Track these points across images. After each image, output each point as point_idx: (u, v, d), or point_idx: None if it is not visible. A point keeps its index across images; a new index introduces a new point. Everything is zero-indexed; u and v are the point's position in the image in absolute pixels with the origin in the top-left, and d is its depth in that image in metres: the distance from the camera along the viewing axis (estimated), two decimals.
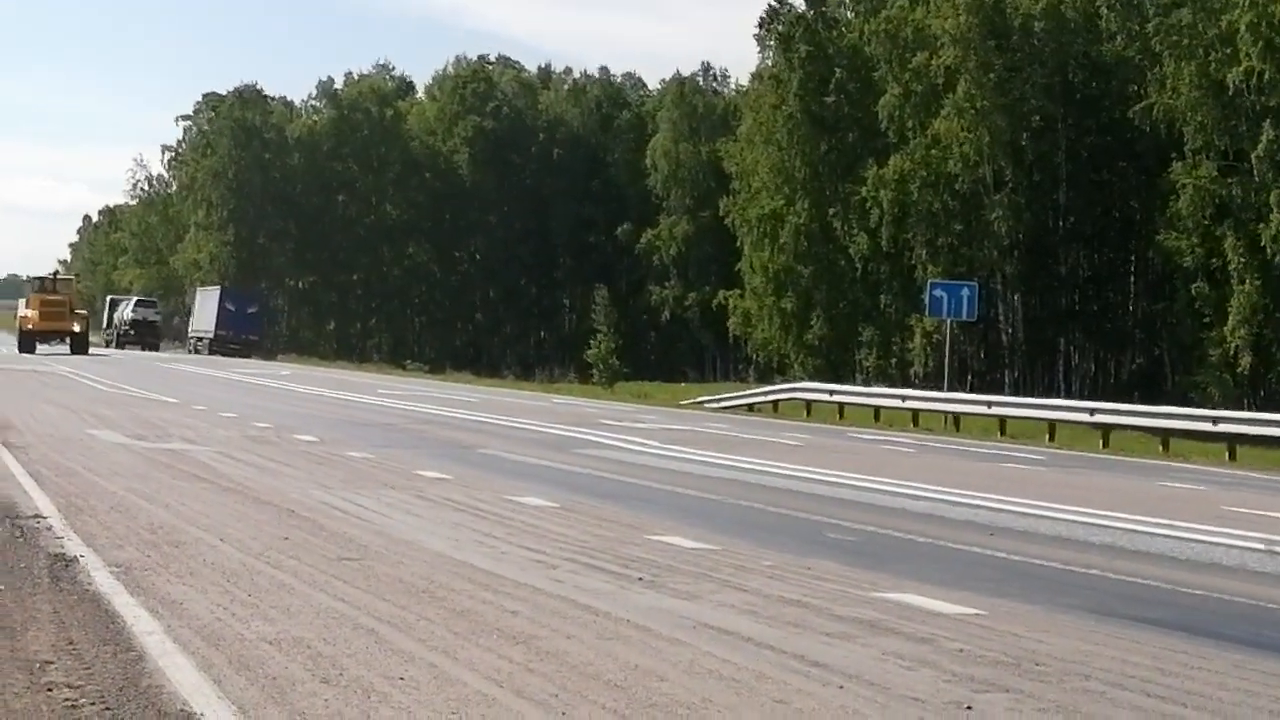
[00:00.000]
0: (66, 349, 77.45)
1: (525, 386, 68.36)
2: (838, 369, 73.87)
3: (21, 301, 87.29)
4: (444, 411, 36.09)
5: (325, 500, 15.70)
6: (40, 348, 78.67)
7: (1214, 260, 68.43)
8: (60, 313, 78.96)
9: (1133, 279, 76.79)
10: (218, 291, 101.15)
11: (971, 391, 53.72)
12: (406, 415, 34.17)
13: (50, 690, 7.32)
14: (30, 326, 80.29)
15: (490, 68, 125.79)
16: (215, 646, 8.36)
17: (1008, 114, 73.76)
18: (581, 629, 9.17)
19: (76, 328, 78.94)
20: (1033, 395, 49.33)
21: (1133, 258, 76.25)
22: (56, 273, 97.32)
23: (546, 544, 12.90)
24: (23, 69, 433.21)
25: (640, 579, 11.17)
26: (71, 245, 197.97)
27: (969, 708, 7.53)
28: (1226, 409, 44.30)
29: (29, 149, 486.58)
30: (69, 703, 7.10)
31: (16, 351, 78.42)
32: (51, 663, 7.86)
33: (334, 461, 20.67)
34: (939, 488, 19.56)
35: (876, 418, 42.14)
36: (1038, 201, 75.77)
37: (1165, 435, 35.38)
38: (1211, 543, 14.84)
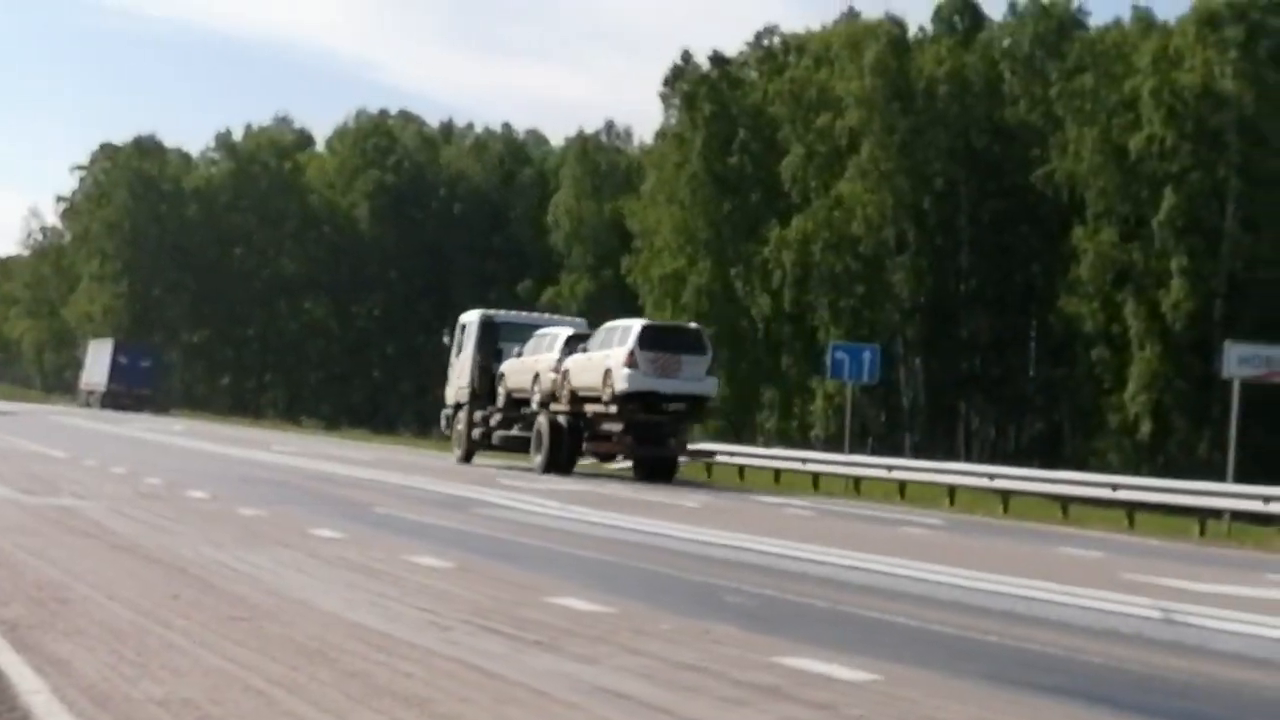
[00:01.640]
0: None
1: (422, 444, 68.05)
2: (739, 430, 74.08)
3: None
4: (339, 469, 35.94)
5: (216, 558, 15.58)
6: None
7: (1114, 326, 69.22)
8: None
9: (1033, 344, 77.48)
10: (110, 344, 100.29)
11: (872, 455, 53.92)
12: (301, 472, 34.01)
13: None
14: None
15: (391, 122, 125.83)
16: (102, 707, 8.27)
17: (911, 176, 74.50)
18: (477, 692, 9.13)
19: None
20: (933, 459, 49.61)
21: (1034, 322, 76.98)
22: None
23: (441, 605, 12.85)
24: None
25: (537, 642, 11.14)
26: None
27: None
28: (1125, 475, 44.62)
29: None
30: None
31: None
32: None
33: (226, 519, 20.51)
34: (839, 551, 19.62)
35: (777, 480, 42.27)
36: (940, 265, 76.49)
37: (1064, 501, 35.69)
38: (1109, 610, 14.94)
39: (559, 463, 38.55)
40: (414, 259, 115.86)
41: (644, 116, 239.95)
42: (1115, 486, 35.85)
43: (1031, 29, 76.15)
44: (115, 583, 13.42)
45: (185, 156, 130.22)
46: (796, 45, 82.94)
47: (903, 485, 39.37)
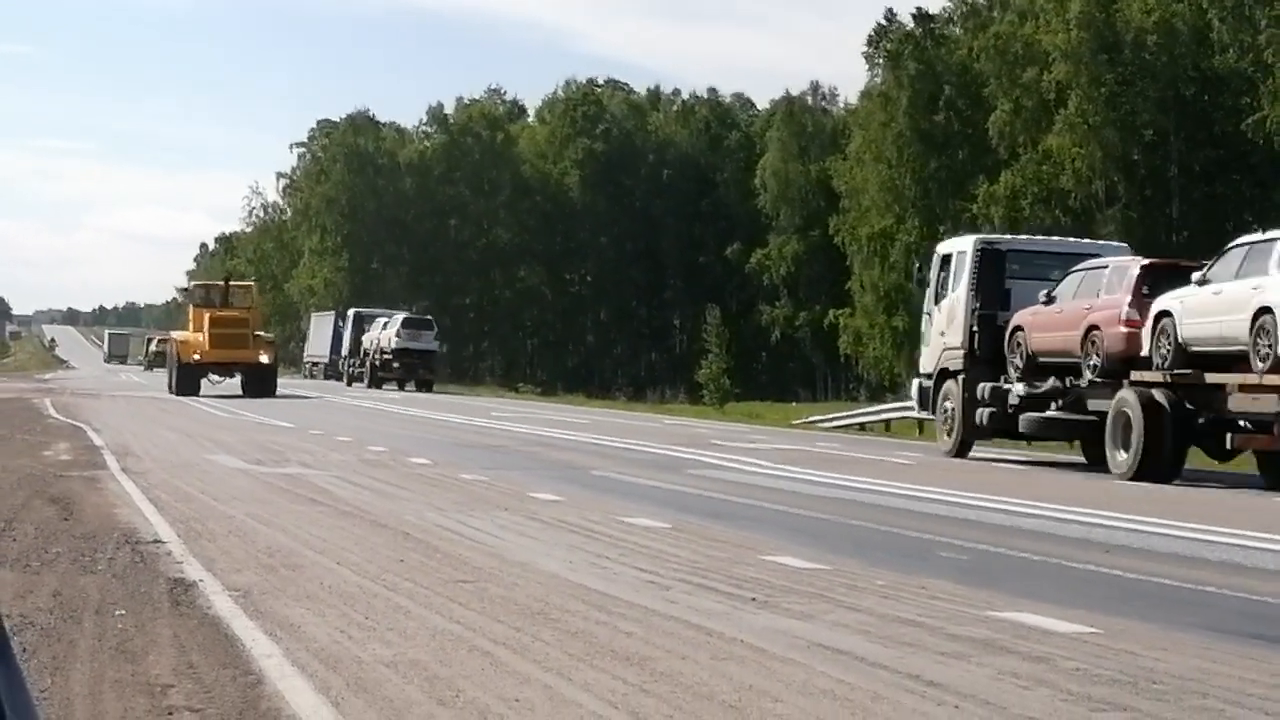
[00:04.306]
0: (239, 387, 55.29)
1: (636, 407, 68.43)
2: None
3: (185, 325, 60.63)
4: (556, 433, 36.14)
5: (439, 523, 15.77)
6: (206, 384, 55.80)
7: None
8: (240, 336, 55.05)
9: None
10: (332, 316, 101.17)
11: None
12: (518, 437, 34.27)
13: (171, 714, 7.39)
14: (196, 357, 54.69)
15: (599, 90, 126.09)
16: (333, 669, 8.41)
17: (1119, 129, 73.21)
18: (695, 650, 9.17)
19: (264, 358, 55.40)
20: None
21: None
22: (229, 277, 71.00)
23: (659, 565, 12.91)
24: (141, 99, 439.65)
25: (753, 599, 11.16)
26: (189, 273, 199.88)
27: None
28: None
29: (147, 178, 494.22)
30: None
31: (169, 393, 55.16)
32: (172, 686, 7.94)
33: (447, 484, 20.76)
34: (1053, 505, 19.42)
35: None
36: (1150, 216, 75.19)
37: None
38: None
39: (1159, 461, 24.97)
40: (624, 225, 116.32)
41: (849, 77, 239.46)
42: None
43: None
44: (343, 548, 13.65)
45: (400, 131, 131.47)
46: (1000, 1, 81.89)
47: None
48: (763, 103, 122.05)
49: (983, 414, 30.03)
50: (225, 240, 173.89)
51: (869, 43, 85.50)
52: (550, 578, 12.06)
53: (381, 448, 28.03)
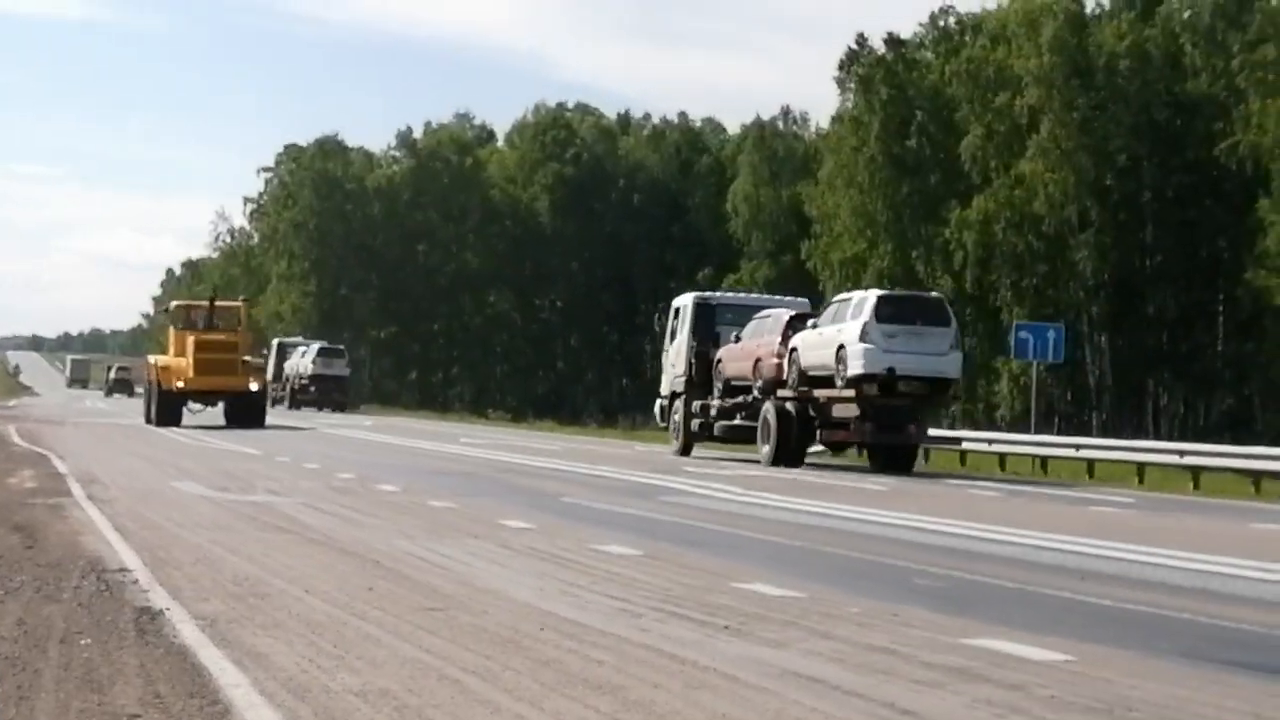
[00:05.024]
0: (221, 416, 52.07)
1: (607, 433, 68.39)
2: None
3: (165, 349, 56.15)
4: (526, 460, 36.14)
5: (409, 550, 15.75)
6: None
7: None
8: (228, 362, 50.87)
9: (1221, 318, 76.29)
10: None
11: (1059, 434, 53.32)
12: (489, 464, 34.25)
13: None
14: (179, 384, 50.75)
15: (569, 115, 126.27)
16: (301, 699, 8.38)
17: (1092, 154, 73.58)
18: (668, 678, 9.15)
19: (253, 385, 51.95)
20: (1121, 437, 48.94)
21: (1221, 296, 75.81)
22: (215, 296, 64.22)
23: (631, 592, 12.89)
24: (112, 120, 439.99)
25: (726, 627, 11.15)
26: (155, 299, 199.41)
27: None
28: None
29: (117, 200, 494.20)
30: None
31: (146, 423, 52.11)
32: (139, 716, 7.91)
33: (417, 511, 20.72)
34: (1027, 532, 19.45)
35: (962, 462, 41.92)
36: (1124, 241, 75.54)
37: (1257, 476, 35.03)
38: None
39: (788, 454, 35.91)
40: (594, 250, 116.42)
41: (820, 101, 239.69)
42: None
43: (1211, 1, 74.93)
44: (311, 576, 13.61)
45: (368, 155, 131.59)
46: (972, 24, 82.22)
47: (1091, 464, 38.84)
48: (733, 127, 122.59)
49: (696, 424, 40.72)
50: (192, 265, 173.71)
51: (840, 67, 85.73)
52: (521, 606, 12.04)
53: (349, 474, 27.99)
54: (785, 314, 38.05)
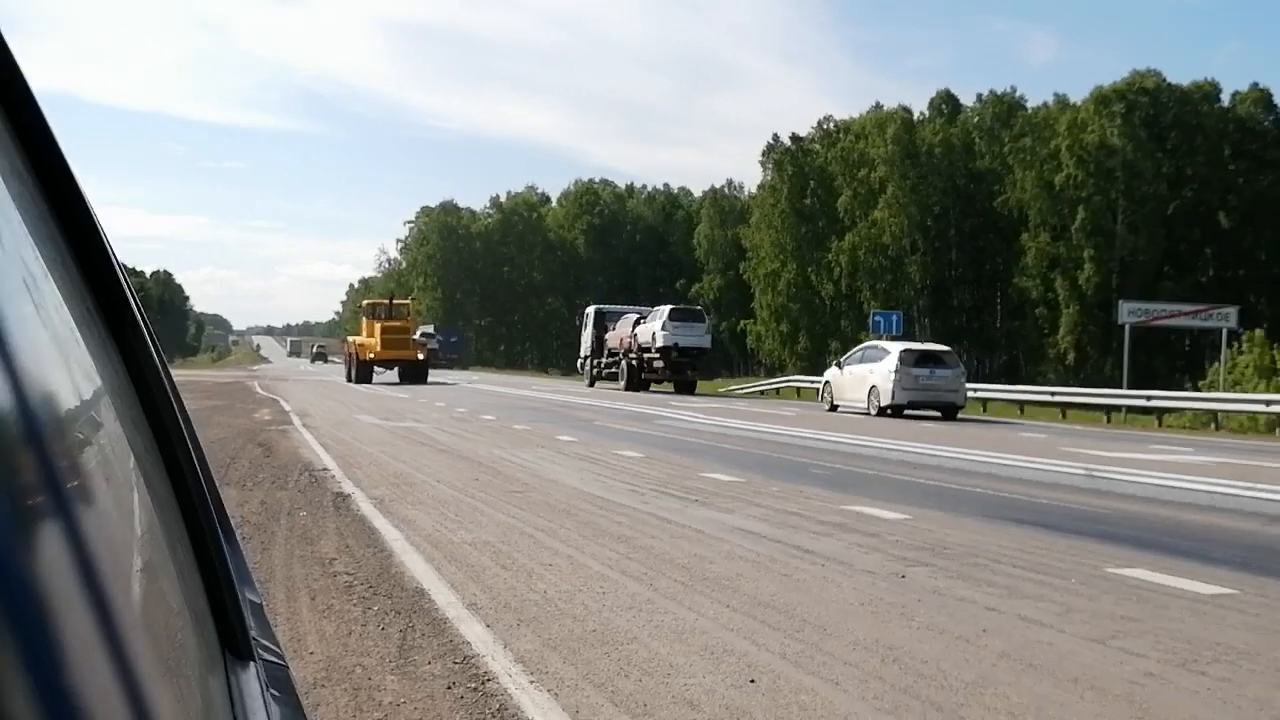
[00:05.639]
0: (396, 378, 49.54)
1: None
2: (816, 367, 73.68)
3: (359, 331, 53.69)
4: (571, 399, 36.08)
5: (501, 455, 15.74)
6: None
7: (1050, 294, 67.93)
8: (403, 340, 49.46)
9: (999, 307, 76.20)
10: (432, 327, 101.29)
11: None
12: (549, 402, 34.18)
13: (335, 576, 7.37)
14: (370, 355, 48.86)
15: (597, 185, 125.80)
16: (436, 547, 8.39)
17: (919, 206, 73.47)
18: (660, 532, 9.16)
19: (420, 355, 49.83)
20: None
21: (999, 294, 75.69)
22: (393, 296, 64.01)
23: (638, 480, 12.90)
24: (312, 196, 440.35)
25: (697, 500, 11.15)
26: (341, 303, 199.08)
27: (903, 575, 7.48)
28: (1059, 386, 43.83)
29: (315, 244, 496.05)
30: (347, 583, 7.15)
31: (346, 381, 49.49)
32: (335, 559, 7.92)
33: (505, 431, 20.70)
34: (884, 439, 19.44)
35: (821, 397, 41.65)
36: (939, 261, 75.44)
37: (1021, 404, 35.20)
38: (1053, 470, 14.71)
39: (634, 385, 42.34)
40: (612, 270, 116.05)
41: (751, 176, 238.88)
42: (1053, 394, 35.29)
43: (991, 110, 74.71)
44: (440, 472, 13.61)
45: (472, 212, 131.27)
46: (844, 128, 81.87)
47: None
48: (698, 192, 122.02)
49: (595, 371, 46.89)
50: (364, 282, 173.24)
51: (763, 154, 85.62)
52: (570, 489, 12.04)
53: (463, 409, 27.96)
54: (633, 316, 44.97)
